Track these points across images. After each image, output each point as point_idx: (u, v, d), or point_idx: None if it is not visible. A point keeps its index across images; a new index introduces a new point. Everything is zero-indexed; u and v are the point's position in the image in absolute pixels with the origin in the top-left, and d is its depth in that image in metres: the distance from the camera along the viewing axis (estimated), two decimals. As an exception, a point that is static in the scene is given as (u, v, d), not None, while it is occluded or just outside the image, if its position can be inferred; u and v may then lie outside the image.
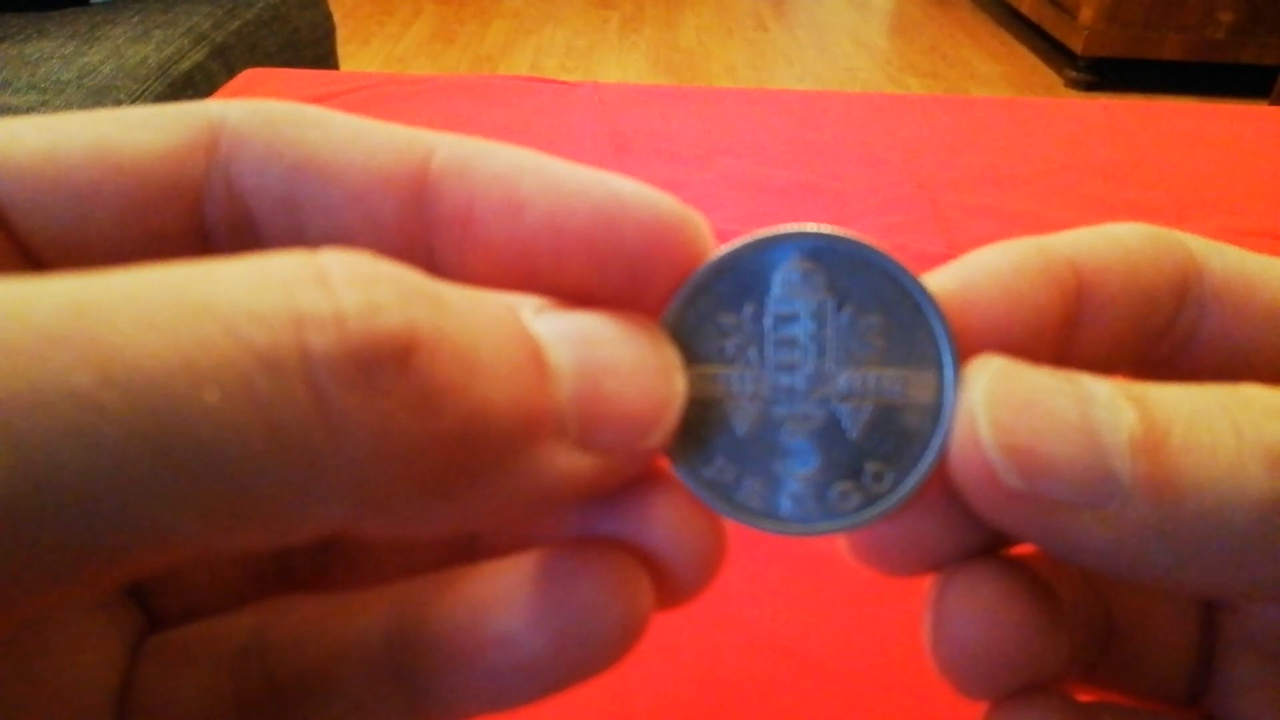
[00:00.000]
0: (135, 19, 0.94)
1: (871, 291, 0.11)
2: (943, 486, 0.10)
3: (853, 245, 0.11)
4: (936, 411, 0.11)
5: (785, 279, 0.11)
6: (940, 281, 0.11)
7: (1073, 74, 1.99)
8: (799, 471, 0.11)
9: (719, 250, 0.11)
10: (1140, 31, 1.89)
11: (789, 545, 0.30)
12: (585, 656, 0.10)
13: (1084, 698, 0.13)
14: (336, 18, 1.21)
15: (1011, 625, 0.11)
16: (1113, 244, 0.11)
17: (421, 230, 0.10)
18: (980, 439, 0.10)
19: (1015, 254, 0.11)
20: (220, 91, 0.62)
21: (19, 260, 0.10)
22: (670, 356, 0.11)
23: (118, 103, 0.82)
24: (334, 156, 0.10)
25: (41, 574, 0.07)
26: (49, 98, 0.81)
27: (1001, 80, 2.06)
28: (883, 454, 0.11)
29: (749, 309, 0.11)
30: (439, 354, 0.08)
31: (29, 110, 0.78)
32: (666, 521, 0.11)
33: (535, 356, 0.09)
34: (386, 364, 0.08)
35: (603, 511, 0.11)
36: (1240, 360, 0.12)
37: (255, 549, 0.08)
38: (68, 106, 0.80)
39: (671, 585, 0.11)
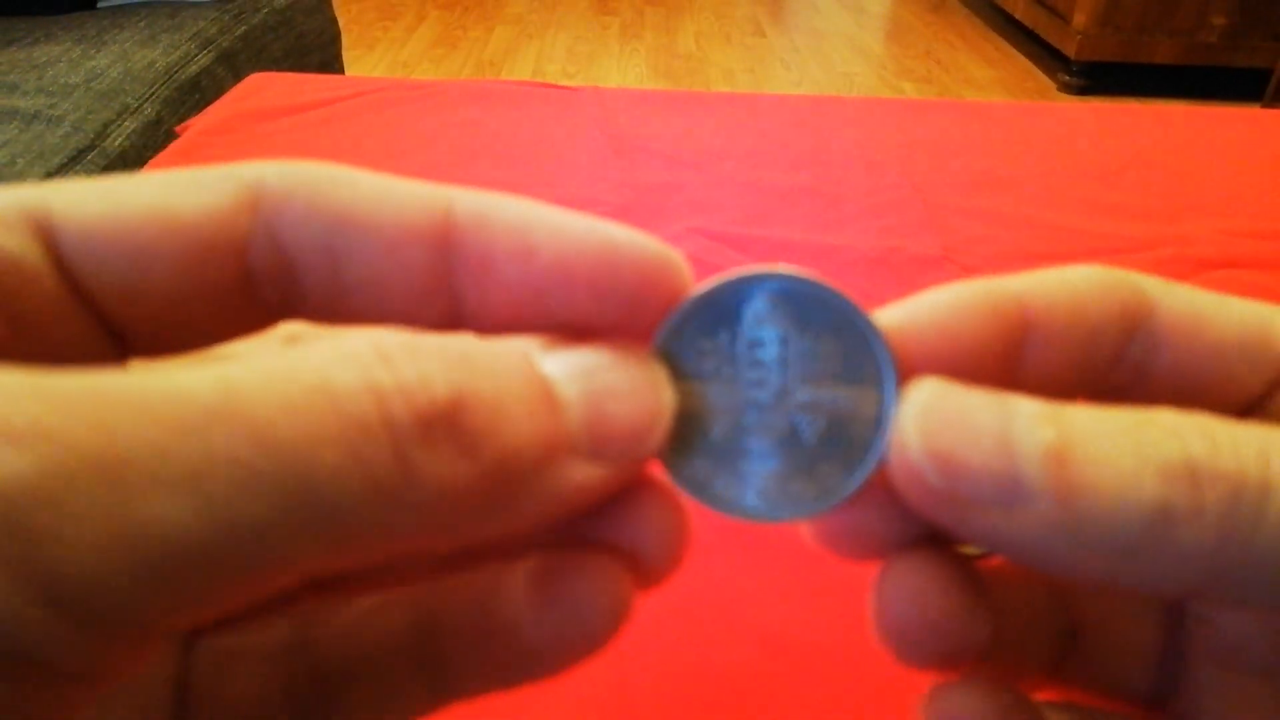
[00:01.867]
0: (142, 23, 0.95)
1: (827, 322, 0.13)
2: (884, 485, 0.12)
3: (811, 285, 0.13)
4: (879, 422, 0.12)
5: (755, 311, 0.13)
6: (888, 315, 0.13)
7: (1066, 78, 2.00)
8: (764, 470, 0.13)
9: (700, 286, 0.13)
10: (1133, 36, 1.91)
11: (784, 544, 0.31)
12: (579, 641, 0.12)
13: (1049, 696, 0.14)
14: (341, 23, 1.22)
15: (935, 604, 0.12)
16: (1060, 283, 0.13)
17: (446, 272, 0.12)
18: (910, 445, 0.11)
19: (960, 291, 0.13)
20: (226, 96, 0.63)
21: (82, 312, 0.11)
22: (659, 376, 0.12)
23: (125, 106, 0.83)
24: (368, 211, 0.12)
25: (210, 597, 0.09)
26: (56, 100, 0.82)
27: (995, 85, 2.08)
28: (834, 457, 0.13)
29: (725, 335, 0.13)
30: (477, 409, 0.10)
31: (35, 113, 0.79)
32: (640, 523, 0.13)
33: (547, 394, 0.11)
34: (442, 422, 0.10)
35: (586, 519, 0.13)
36: (1190, 391, 0.13)
37: (348, 568, 0.10)
38: (75, 110, 0.81)
39: (645, 574, 0.13)
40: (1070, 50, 1.93)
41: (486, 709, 0.27)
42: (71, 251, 0.11)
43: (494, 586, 0.13)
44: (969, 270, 0.47)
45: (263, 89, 0.62)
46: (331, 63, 1.18)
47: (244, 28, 1.00)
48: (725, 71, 2.09)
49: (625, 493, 0.13)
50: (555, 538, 0.13)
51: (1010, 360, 0.13)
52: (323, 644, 0.14)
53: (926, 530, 0.13)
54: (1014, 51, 2.23)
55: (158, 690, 0.13)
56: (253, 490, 0.09)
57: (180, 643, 0.13)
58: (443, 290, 0.12)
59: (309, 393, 0.09)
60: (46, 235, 0.11)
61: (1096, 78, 1.96)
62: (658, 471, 0.13)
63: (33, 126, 0.78)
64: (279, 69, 0.99)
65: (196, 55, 0.93)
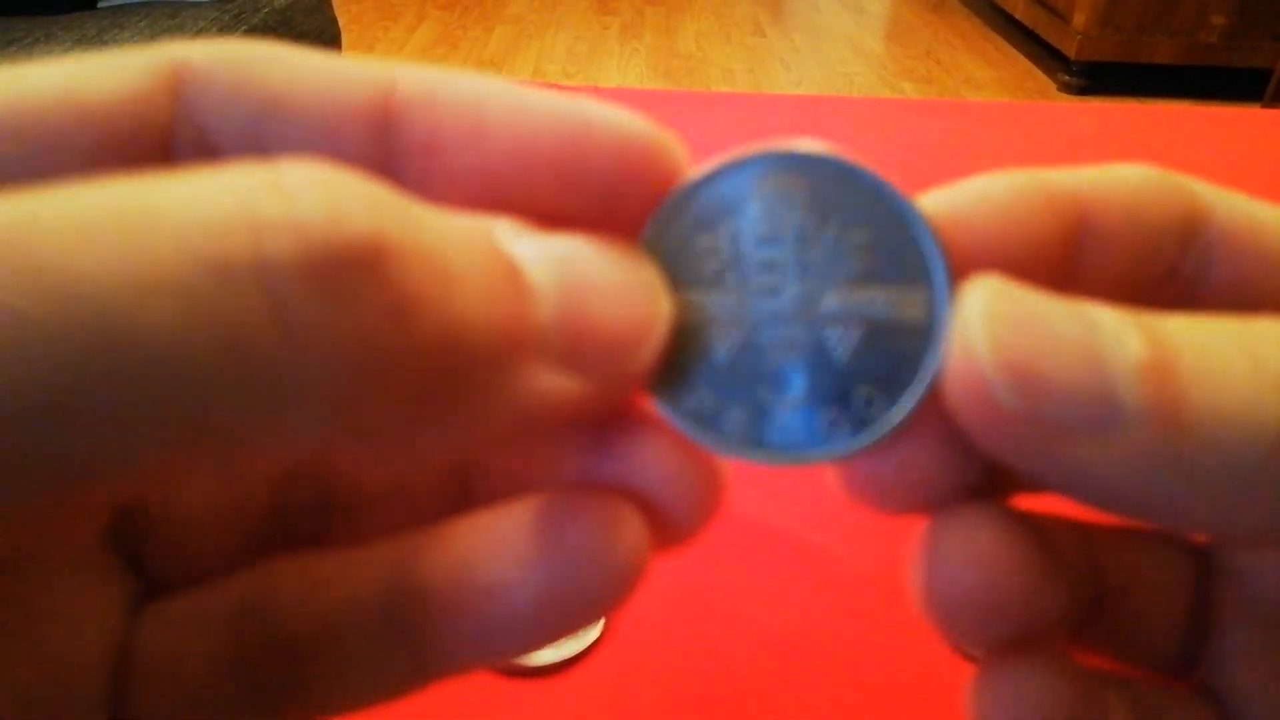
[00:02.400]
0: (142, 24, 0.95)
1: (856, 209, 0.10)
2: (937, 412, 0.10)
3: (831, 162, 0.11)
4: (929, 330, 0.10)
5: (764, 198, 0.11)
6: (932, 201, 0.11)
7: (1066, 78, 2.00)
8: (784, 399, 0.11)
9: (695, 171, 0.11)
10: (1133, 36, 1.91)
11: (786, 541, 0.31)
12: (579, 603, 0.10)
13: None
14: (341, 23, 1.22)
15: (1008, 568, 0.10)
16: (1117, 182, 0.11)
17: (388, 161, 0.10)
18: (977, 356, 0.09)
19: (1014, 181, 0.11)
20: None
21: None
22: (652, 276, 0.10)
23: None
24: (296, 92, 0.10)
25: None
26: (57, 102, 0.82)
27: (995, 85, 2.08)
28: (873, 377, 0.10)
29: (727, 231, 0.11)
30: (411, 263, 0.08)
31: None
32: (657, 461, 0.11)
33: (513, 274, 0.09)
34: (352, 272, 0.07)
35: (593, 455, 0.11)
36: (1247, 307, 0.11)
37: (235, 471, 0.08)
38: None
39: (668, 526, 0.11)
40: (1070, 50, 1.94)
41: (481, 707, 0.27)
42: None
43: (477, 537, 0.11)
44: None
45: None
46: (331, 63, 1.18)
47: (244, 28, 1.01)
48: (725, 71, 2.09)
49: (640, 420, 0.11)
50: (554, 481, 0.11)
51: (1067, 265, 0.11)
52: (280, 608, 0.12)
53: (982, 474, 0.11)
54: (1014, 51, 2.23)
55: (90, 657, 0.11)
56: (30, 357, 0.06)
57: (120, 607, 0.11)
58: (386, 181, 0.10)
59: (134, 224, 0.07)
60: None
61: (1096, 78, 1.96)
62: (651, 406, 0.11)
63: (33, 127, 0.78)
64: (279, 69, 0.99)
65: (197, 55, 0.93)
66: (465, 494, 0.13)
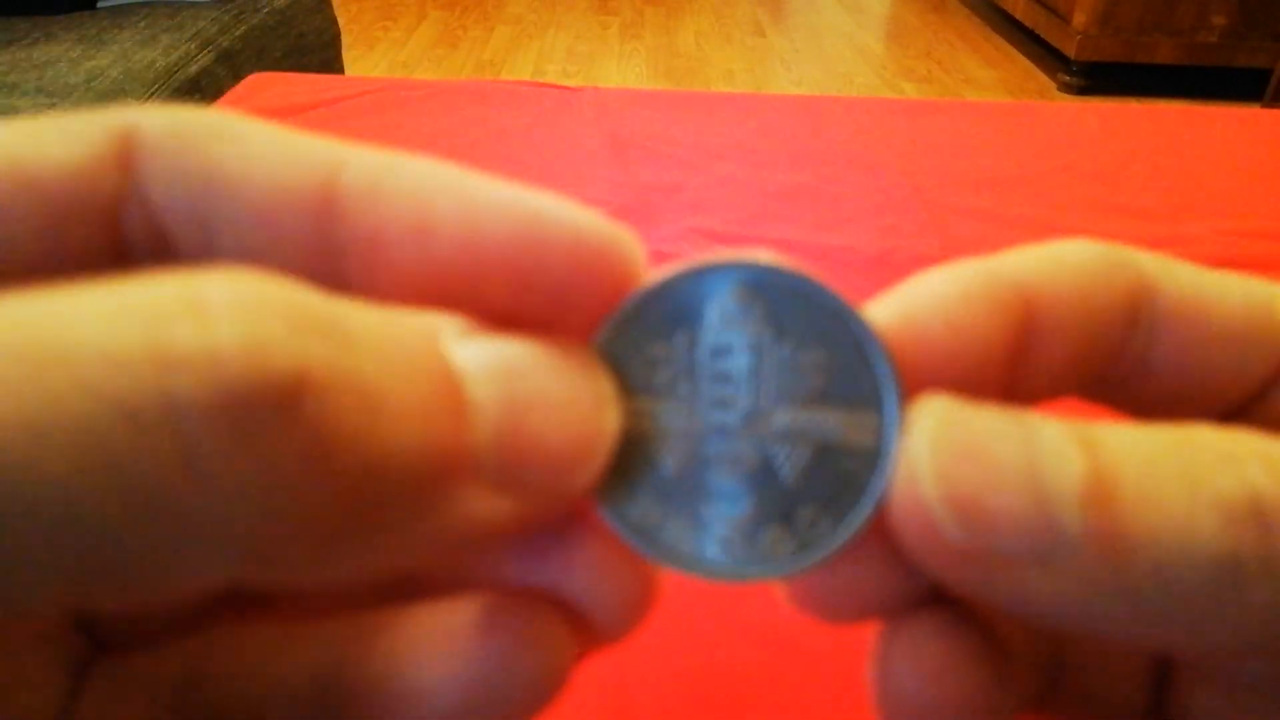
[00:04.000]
0: (142, 24, 0.95)
1: (813, 326, 0.11)
2: (881, 535, 0.10)
3: (792, 278, 0.11)
4: (877, 457, 0.10)
5: (722, 309, 0.11)
6: (883, 312, 0.11)
7: (1066, 78, 2.00)
8: (728, 515, 0.11)
9: (652, 276, 0.11)
10: (1133, 36, 1.91)
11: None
12: (498, 713, 0.10)
13: None
14: (342, 23, 1.22)
15: (958, 680, 0.10)
16: (1061, 266, 0.11)
17: (330, 251, 0.10)
18: (921, 488, 0.09)
19: (960, 282, 0.11)
20: (226, 96, 0.63)
21: None
22: (603, 388, 0.10)
23: (125, 106, 0.83)
24: (241, 172, 0.10)
25: None
26: (56, 101, 0.82)
27: (996, 85, 2.08)
28: (818, 499, 0.10)
29: (682, 339, 0.11)
30: (336, 396, 0.07)
31: (37, 114, 0.79)
32: (593, 571, 0.11)
33: (453, 393, 0.09)
34: (269, 410, 0.07)
35: (528, 557, 0.11)
36: (1194, 383, 0.11)
37: (133, 606, 0.08)
38: (76, 110, 0.81)
39: (597, 632, 0.11)
40: (1070, 50, 1.93)
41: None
42: None
43: (403, 639, 0.11)
44: (969, 270, 0.47)
45: (263, 89, 0.62)
46: (331, 63, 1.18)
47: (244, 28, 1.00)
48: (725, 71, 2.09)
49: (571, 524, 0.11)
50: (490, 580, 0.11)
51: (1016, 359, 0.11)
52: (218, 680, 0.11)
53: (929, 585, 0.11)
54: (1014, 51, 2.23)
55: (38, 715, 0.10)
56: None
57: (67, 670, 0.11)
58: (327, 273, 0.10)
59: (33, 359, 0.06)
60: None
61: (1096, 78, 1.96)
62: (593, 512, 0.11)
63: (33, 126, 0.78)
64: (279, 69, 0.99)
65: (196, 55, 0.93)
66: (413, 578, 0.12)
